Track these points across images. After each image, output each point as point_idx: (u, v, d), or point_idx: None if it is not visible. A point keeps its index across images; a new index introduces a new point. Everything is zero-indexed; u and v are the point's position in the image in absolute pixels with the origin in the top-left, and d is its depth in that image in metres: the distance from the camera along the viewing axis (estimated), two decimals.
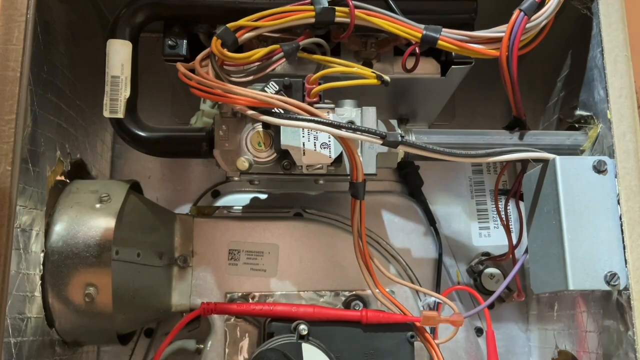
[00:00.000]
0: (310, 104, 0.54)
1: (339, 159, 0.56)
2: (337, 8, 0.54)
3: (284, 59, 0.55)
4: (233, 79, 0.54)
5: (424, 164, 0.77)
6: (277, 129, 0.55)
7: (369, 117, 0.57)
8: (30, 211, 0.53)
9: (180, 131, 0.63)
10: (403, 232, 0.75)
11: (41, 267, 0.55)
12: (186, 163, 0.78)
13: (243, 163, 0.56)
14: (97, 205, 0.58)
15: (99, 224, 0.56)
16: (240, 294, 0.64)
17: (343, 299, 0.63)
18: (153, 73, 0.63)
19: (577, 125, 0.62)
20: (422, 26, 0.55)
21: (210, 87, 0.52)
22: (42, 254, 0.55)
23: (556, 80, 0.69)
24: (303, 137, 0.55)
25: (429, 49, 0.56)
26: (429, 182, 0.78)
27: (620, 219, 0.52)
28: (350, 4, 0.54)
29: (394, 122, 0.60)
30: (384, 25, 0.55)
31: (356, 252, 0.58)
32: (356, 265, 0.58)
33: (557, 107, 0.68)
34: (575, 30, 0.61)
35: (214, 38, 0.53)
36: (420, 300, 0.69)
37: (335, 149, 0.55)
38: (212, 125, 0.59)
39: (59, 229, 0.56)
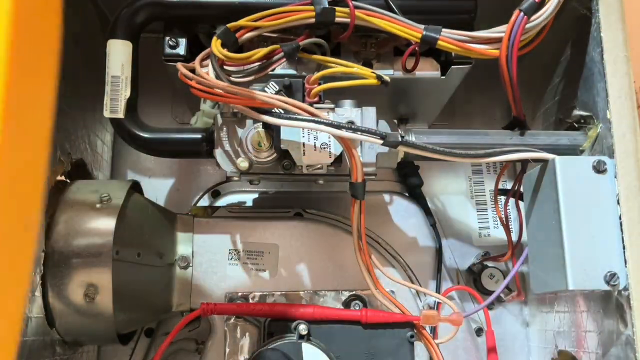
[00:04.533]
0: (310, 104, 0.54)
1: (339, 159, 0.56)
2: (337, 8, 0.55)
3: (284, 59, 0.55)
4: (233, 79, 0.54)
5: (424, 164, 0.77)
6: (277, 129, 0.55)
7: (369, 117, 0.57)
8: None
9: (180, 131, 0.63)
10: (403, 232, 0.75)
11: (42, 267, 0.55)
12: (186, 163, 0.78)
13: (243, 163, 0.56)
14: (98, 206, 0.58)
15: (100, 224, 0.56)
16: (240, 294, 0.64)
17: (343, 299, 0.63)
18: (153, 73, 0.63)
19: (576, 125, 0.62)
20: (422, 26, 0.55)
21: (210, 87, 0.52)
22: (42, 254, 0.55)
23: (556, 81, 0.69)
24: (303, 137, 0.55)
25: (429, 49, 0.56)
26: (428, 182, 0.78)
27: (620, 218, 0.52)
28: (350, 4, 0.54)
29: (393, 122, 0.60)
30: (383, 26, 0.55)
31: (356, 252, 0.58)
32: (356, 265, 0.59)
33: (556, 107, 0.68)
34: (574, 31, 0.61)
35: (214, 38, 0.53)
36: (421, 301, 0.69)
37: (335, 149, 0.55)
38: (212, 125, 0.59)
39: (60, 228, 0.56)
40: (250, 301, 0.63)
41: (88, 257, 0.55)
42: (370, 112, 0.57)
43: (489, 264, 0.74)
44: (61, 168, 0.60)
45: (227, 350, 0.62)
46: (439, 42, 0.54)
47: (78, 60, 0.64)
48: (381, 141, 0.52)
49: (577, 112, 0.61)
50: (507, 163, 0.68)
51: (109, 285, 0.55)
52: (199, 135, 0.60)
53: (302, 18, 0.54)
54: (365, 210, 0.57)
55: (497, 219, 0.77)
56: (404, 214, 0.76)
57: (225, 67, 0.54)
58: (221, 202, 0.75)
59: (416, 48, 0.57)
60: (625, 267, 0.52)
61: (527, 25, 0.54)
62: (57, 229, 0.56)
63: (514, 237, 0.72)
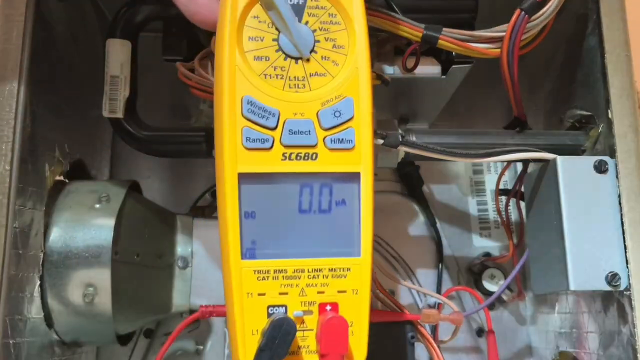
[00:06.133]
0: None
1: None
2: None
3: None
4: None
5: (424, 164, 0.77)
6: None
7: None
8: (29, 211, 0.53)
9: (180, 131, 0.63)
10: (403, 232, 0.75)
11: (40, 267, 0.55)
12: (186, 163, 0.78)
13: None
14: (97, 206, 0.58)
15: (98, 224, 0.56)
16: None
17: None
18: (152, 73, 0.63)
19: (578, 125, 0.62)
20: (423, 25, 0.55)
21: (209, 87, 0.52)
22: (41, 254, 0.55)
23: (557, 80, 0.68)
24: None
25: (430, 48, 0.56)
26: (429, 181, 0.77)
27: (622, 219, 0.52)
28: None
29: (393, 122, 0.59)
30: (383, 25, 0.54)
31: None
32: None
33: (558, 106, 0.68)
34: (575, 30, 0.61)
35: (214, 37, 0.53)
36: (421, 301, 0.69)
37: None
38: (212, 125, 0.59)
39: (58, 229, 0.56)
40: None
41: (87, 258, 0.55)
42: None
43: (490, 264, 0.74)
44: (60, 168, 0.60)
45: (227, 351, 0.62)
46: (440, 41, 0.54)
47: (77, 59, 0.64)
48: (381, 141, 0.52)
49: (578, 112, 0.61)
50: (508, 163, 0.68)
51: (108, 286, 0.55)
52: (198, 135, 0.60)
53: None
54: None
55: (498, 219, 0.77)
56: (404, 214, 0.76)
57: None
58: None
59: (417, 47, 0.57)
60: (627, 267, 0.51)
61: (528, 25, 0.53)
62: (55, 230, 0.56)
63: (515, 238, 0.71)
